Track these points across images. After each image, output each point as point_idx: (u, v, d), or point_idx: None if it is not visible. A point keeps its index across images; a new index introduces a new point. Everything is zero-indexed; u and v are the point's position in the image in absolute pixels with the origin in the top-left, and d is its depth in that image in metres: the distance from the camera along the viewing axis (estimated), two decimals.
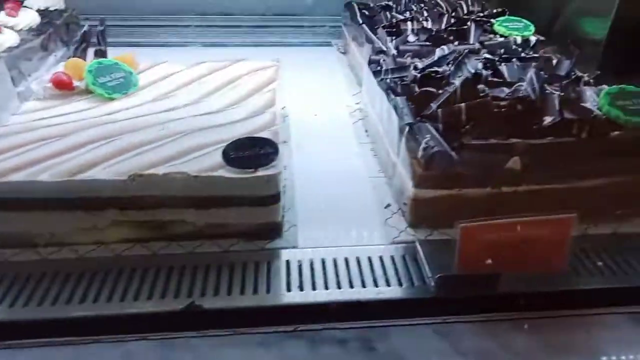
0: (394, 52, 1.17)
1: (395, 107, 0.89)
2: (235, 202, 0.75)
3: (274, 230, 0.79)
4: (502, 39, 1.24)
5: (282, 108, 1.19)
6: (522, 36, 1.24)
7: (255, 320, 0.62)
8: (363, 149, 1.06)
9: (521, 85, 0.89)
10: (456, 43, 1.21)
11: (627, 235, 0.81)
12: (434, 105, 0.87)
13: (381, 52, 1.19)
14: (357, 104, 1.24)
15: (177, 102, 0.93)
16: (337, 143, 1.08)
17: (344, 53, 1.57)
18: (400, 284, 0.71)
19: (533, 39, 1.25)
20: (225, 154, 0.74)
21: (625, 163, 0.81)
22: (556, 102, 0.84)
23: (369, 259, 0.75)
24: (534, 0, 1.44)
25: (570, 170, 0.80)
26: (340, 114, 1.20)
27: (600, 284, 0.68)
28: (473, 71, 0.94)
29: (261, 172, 0.74)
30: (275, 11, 1.79)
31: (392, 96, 0.93)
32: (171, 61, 1.10)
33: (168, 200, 0.74)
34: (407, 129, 0.83)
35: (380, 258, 0.75)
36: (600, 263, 0.74)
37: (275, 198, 0.76)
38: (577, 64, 1.18)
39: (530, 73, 0.91)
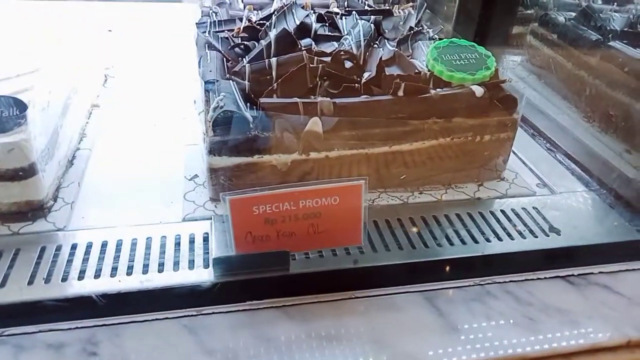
0: (241, 6, 1.05)
1: (200, 63, 0.76)
2: None
3: (35, 210, 0.65)
4: None
5: (107, 68, 1.05)
6: None
7: None
8: (193, 115, 0.93)
9: (346, 39, 0.80)
10: None
11: (450, 203, 0.74)
12: (245, 61, 0.76)
13: (222, 3, 1.06)
14: None
15: None
16: (165, 107, 0.95)
17: None
18: (177, 269, 0.60)
19: None
20: None
21: (448, 123, 0.73)
22: (378, 57, 0.75)
23: (148, 240, 0.63)
24: None
25: (389, 132, 0.71)
26: (179, 75, 1.06)
27: (392, 260, 0.60)
28: (297, 23, 0.83)
29: (2, 139, 0.59)
30: None
31: (206, 50, 0.81)
32: None
33: None
34: (204, 86, 0.71)
35: (163, 240, 0.64)
36: (406, 236, 0.66)
37: (29, 172, 0.62)
38: (435, 21, 1.11)
39: (358, 27, 0.82)
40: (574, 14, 1.10)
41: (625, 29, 1.00)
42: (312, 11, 0.90)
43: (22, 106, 0.61)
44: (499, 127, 0.75)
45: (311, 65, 0.73)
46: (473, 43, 0.79)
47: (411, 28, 0.90)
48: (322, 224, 0.58)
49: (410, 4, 1.15)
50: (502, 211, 0.73)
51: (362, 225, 0.59)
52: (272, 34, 0.77)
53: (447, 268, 0.60)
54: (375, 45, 0.81)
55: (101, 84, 0.98)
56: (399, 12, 1.03)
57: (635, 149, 0.85)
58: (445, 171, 0.76)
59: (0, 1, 0.90)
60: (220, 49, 0.81)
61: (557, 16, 1.11)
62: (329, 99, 0.68)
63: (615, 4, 1.18)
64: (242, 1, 1.07)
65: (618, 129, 0.92)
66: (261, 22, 0.86)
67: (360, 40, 0.78)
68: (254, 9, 0.98)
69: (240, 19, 0.92)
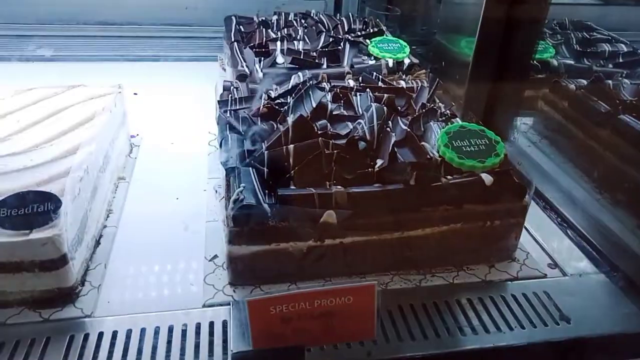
0: (260, 76, 1.10)
1: (222, 145, 0.81)
2: (10, 268, 0.65)
3: (65, 296, 0.69)
4: (373, 62, 1.18)
5: (133, 136, 1.09)
6: (395, 58, 1.19)
7: None
8: (211, 186, 0.97)
9: (360, 123, 0.83)
10: (324, 66, 1.16)
11: (462, 286, 0.76)
12: (263, 146, 0.80)
13: (243, 75, 1.11)
14: None
15: None
16: (184, 179, 0.98)
17: (225, 70, 1.47)
18: None
19: (407, 61, 1.20)
20: None
21: (459, 210, 0.75)
22: (391, 143, 0.78)
23: (170, 329, 0.67)
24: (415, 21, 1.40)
25: (401, 219, 0.74)
26: (200, 142, 1.11)
27: (404, 352, 0.63)
28: (314, 105, 0.87)
29: (36, 235, 0.63)
30: (159, 21, 1.68)
31: (227, 132, 0.85)
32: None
33: None
34: (225, 174, 0.75)
35: (184, 327, 0.67)
36: (419, 324, 0.69)
37: (60, 262, 0.66)
38: (447, 85, 1.14)
39: (372, 109, 0.85)
40: (585, 82, 1.12)
41: (635, 101, 1.02)
42: (327, 88, 0.94)
43: (56, 202, 0.66)
44: (509, 213, 0.77)
45: (326, 152, 0.76)
46: (483, 127, 0.82)
47: (423, 105, 0.93)
48: (336, 321, 0.61)
49: (423, 71, 1.19)
50: (513, 295, 0.75)
51: (375, 322, 0.62)
52: (290, 119, 0.81)
53: None
54: (388, 129, 0.83)
55: (126, 155, 1.03)
56: (411, 83, 1.07)
57: None
58: (456, 253, 0.78)
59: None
60: (240, 129, 0.85)
61: (567, 84, 1.13)
62: (342, 188, 0.71)
63: (626, 70, 1.21)
64: (262, 71, 1.12)
65: (630, 202, 0.93)
66: (280, 100, 0.91)
67: (373, 125, 0.81)
68: (274, 84, 1.02)
69: (260, 96, 0.96)
